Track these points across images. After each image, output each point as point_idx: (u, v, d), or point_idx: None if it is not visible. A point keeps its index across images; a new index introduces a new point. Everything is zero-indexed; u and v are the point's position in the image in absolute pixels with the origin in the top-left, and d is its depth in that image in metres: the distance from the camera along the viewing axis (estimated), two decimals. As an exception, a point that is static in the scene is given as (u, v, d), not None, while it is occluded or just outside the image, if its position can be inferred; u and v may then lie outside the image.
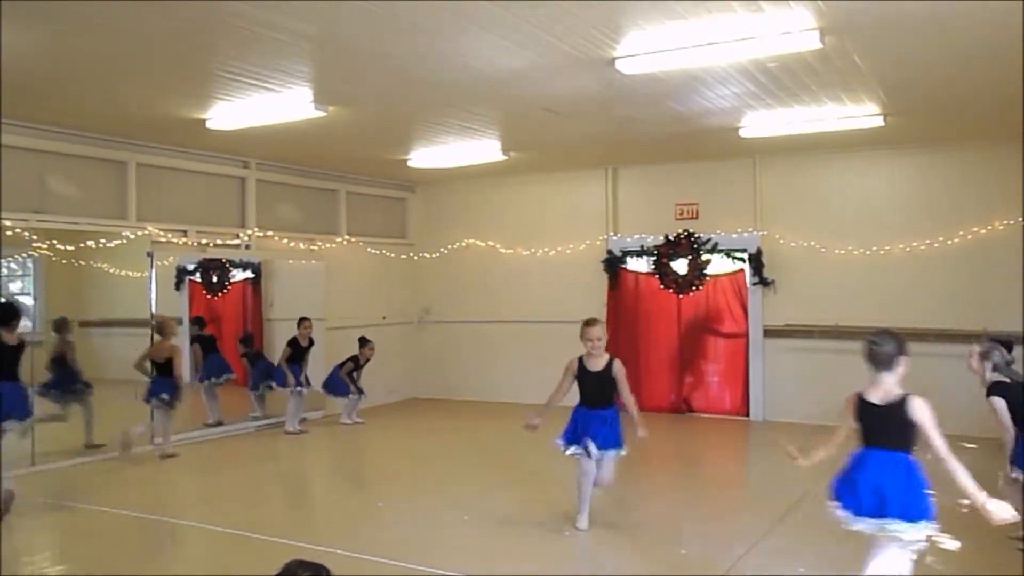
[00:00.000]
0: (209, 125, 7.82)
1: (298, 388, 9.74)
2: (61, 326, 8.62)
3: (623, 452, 5.89)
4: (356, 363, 10.33)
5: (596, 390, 5.83)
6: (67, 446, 8.21)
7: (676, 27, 5.24)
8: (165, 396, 8.30)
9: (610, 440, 5.79)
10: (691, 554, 5.35)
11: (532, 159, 10.47)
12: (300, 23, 5.13)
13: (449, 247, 12.47)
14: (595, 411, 5.80)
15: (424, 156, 9.99)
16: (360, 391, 10.37)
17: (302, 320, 9.83)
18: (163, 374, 8.36)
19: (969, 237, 9.29)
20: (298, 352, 9.79)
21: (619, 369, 5.82)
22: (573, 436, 5.83)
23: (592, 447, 5.68)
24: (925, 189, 9.61)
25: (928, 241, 9.49)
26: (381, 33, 5.34)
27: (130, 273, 9.10)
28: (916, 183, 9.69)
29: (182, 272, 10.09)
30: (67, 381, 8.50)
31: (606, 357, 5.84)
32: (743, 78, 6.54)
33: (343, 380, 10.22)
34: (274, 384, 9.83)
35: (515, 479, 7.50)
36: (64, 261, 8.49)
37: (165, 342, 8.42)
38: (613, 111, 7.70)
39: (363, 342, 10.38)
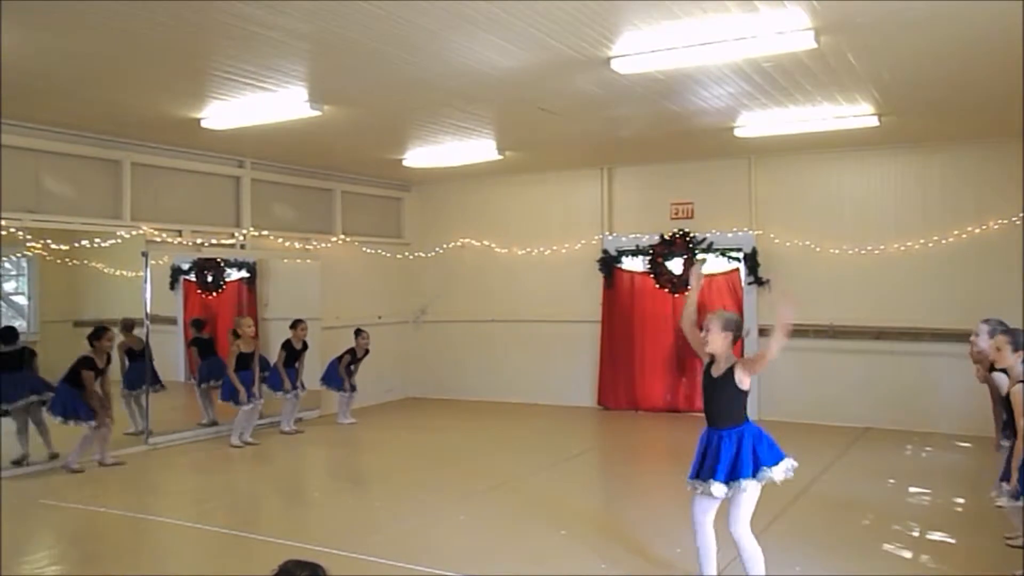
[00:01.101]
0: (204, 124, 7.80)
1: (294, 391, 9.75)
2: (130, 325, 8.91)
3: (769, 475, 4.30)
4: (353, 355, 10.34)
5: (714, 403, 4.51)
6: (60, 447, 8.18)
7: (671, 27, 5.24)
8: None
9: (741, 465, 4.30)
10: (687, 552, 5.35)
11: (528, 159, 10.47)
12: (295, 22, 5.12)
13: (445, 246, 12.47)
14: (720, 432, 4.43)
15: (420, 155, 9.98)
16: (353, 388, 10.38)
17: (297, 323, 9.82)
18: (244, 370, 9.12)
19: (964, 236, 9.31)
20: (293, 355, 9.77)
21: (741, 365, 4.46)
22: (696, 469, 4.53)
23: (713, 486, 4.34)
24: (919, 189, 9.63)
25: (923, 240, 9.51)
26: (376, 32, 5.33)
27: (125, 273, 9.09)
28: (910, 183, 9.70)
29: (177, 272, 10.07)
30: (140, 377, 8.85)
31: (732, 359, 4.48)
32: (738, 78, 6.55)
33: (340, 374, 10.24)
34: (268, 386, 9.78)
35: (511, 478, 7.49)
36: (58, 261, 8.47)
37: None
38: (609, 111, 7.71)
39: (357, 333, 10.41)
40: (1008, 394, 4.81)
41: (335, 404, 10.51)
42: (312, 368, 10.20)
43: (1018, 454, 4.63)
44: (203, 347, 9.92)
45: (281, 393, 9.67)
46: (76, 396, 7.68)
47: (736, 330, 4.54)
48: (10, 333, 7.91)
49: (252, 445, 9.05)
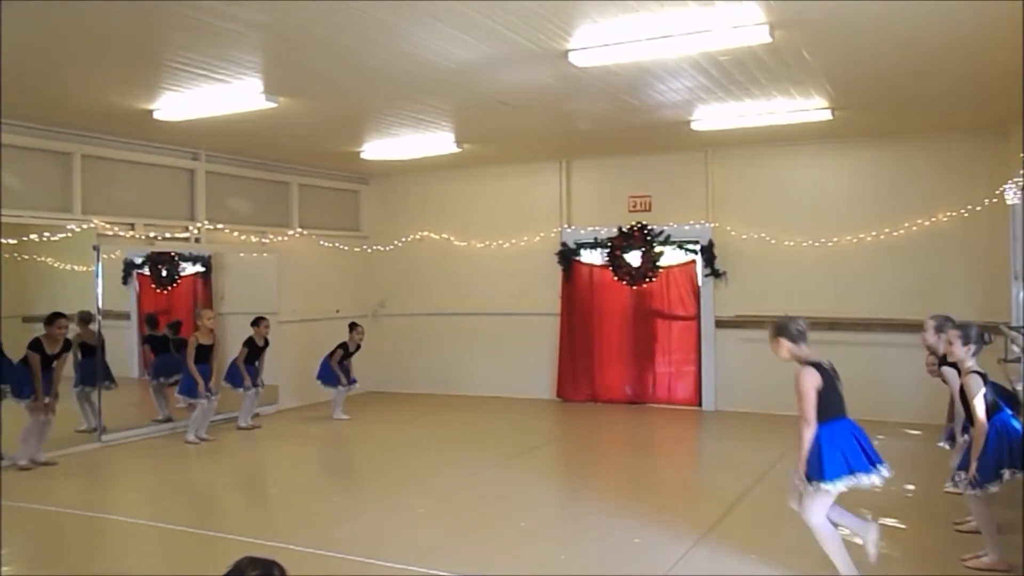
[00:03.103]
0: (157, 116, 7.67)
1: (254, 388, 9.66)
2: (87, 319, 8.75)
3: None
4: (346, 350, 10.28)
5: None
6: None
7: (629, 20, 5.27)
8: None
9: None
10: (644, 543, 5.41)
11: (486, 151, 10.46)
12: (250, 13, 5.05)
13: (403, 240, 12.41)
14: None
15: (377, 148, 9.92)
16: (350, 381, 10.34)
17: (260, 320, 9.69)
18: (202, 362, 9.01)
19: (914, 229, 9.51)
20: (254, 352, 9.67)
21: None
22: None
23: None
24: (871, 182, 9.81)
25: (875, 233, 9.68)
26: (333, 23, 5.28)
27: (75, 267, 8.91)
28: (863, 176, 9.88)
29: (130, 266, 9.89)
30: (94, 373, 8.69)
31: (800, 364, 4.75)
32: (695, 71, 6.60)
33: (334, 370, 10.16)
34: (228, 385, 9.64)
35: (470, 472, 7.50)
36: (7, 255, 8.28)
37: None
38: (567, 104, 7.73)
39: (352, 327, 10.35)
40: (962, 387, 4.90)
41: (330, 399, 10.38)
42: (271, 365, 10.08)
43: (977, 442, 4.71)
44: (156, 344, 9.77)
45: (241, 390, 9.58)
46: (23, 375, 7.67)
47: (781, 333, 4.64)
48: None
49: (208, 441, 8.94)
